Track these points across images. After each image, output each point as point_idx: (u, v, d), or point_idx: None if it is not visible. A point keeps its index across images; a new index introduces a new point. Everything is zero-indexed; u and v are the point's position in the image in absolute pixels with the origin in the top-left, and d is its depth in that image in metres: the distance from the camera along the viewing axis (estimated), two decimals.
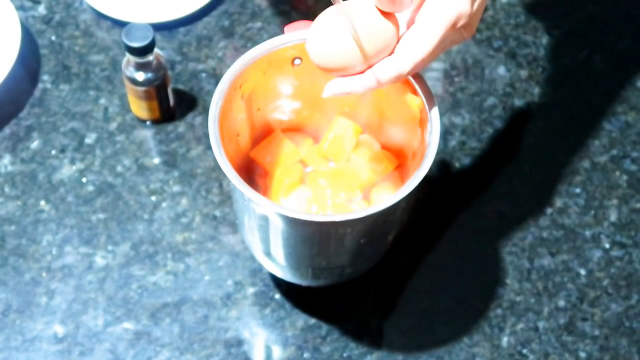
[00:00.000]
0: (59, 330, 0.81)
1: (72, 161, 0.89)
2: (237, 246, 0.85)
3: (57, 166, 0.88)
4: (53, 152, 0.89)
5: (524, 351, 0.81)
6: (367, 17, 0.62)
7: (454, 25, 0.62)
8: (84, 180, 0.88)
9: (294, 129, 0.80)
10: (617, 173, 0.90)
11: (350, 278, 0.78)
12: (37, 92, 0.92)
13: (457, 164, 0.90)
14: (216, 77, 0.93)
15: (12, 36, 0.91)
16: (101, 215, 0.86)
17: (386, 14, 0.62)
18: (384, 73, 0.63)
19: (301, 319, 0.82)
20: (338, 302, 0.83)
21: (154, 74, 0.86)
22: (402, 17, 0.64)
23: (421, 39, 0.62)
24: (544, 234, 0.86)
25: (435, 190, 0.88)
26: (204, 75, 0.93)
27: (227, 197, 0.87)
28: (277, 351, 0.81)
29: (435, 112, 0.68)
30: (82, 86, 0.93)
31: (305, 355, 0.80)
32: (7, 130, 0.90)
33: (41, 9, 0.97)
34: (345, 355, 0.80)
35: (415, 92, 0.70)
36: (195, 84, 0.93)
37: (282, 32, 0.76)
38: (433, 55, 0.63)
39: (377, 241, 0.74)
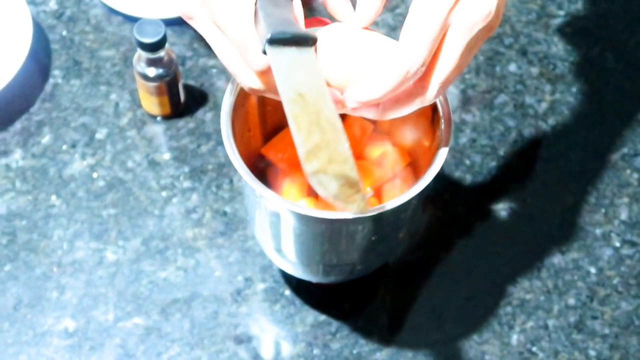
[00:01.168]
0: (70, 325, 0.81)
1: (83, 156, 0.89)
2: (247, 242, 0.85)
3: (68, 161, 0.88)
4: (64, 147, 0.89)
5: (534, 349, 0.81)
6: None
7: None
8: (94, 175, 0.88)
9: None
10: (628, 171, 0.90)
11: (361, 275, 0.78)
12: (48, 87, 0.92)
13: (467, 161, 0.90)
14: (227, 73, 0.93)
15: (23, 31, 0.91)
16: (112, 211, 0.86)
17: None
18: (406, 106, 0.59)
19: (311, 316, 0.82)
20: (348, 299, 0.83)
21: (165, 69, 0.86)
22: None
23: (442, 57, 0.57)
24: (554, 232, 0.86)
25: (445, 188, 0.88)
26: (214, 71, 0.94)
27: (237, 193, 0.87)
28: (286, 347, 0.81)
29: (447, 110, 0.68)
30: (93, 81, 0.93)
31: (315, 351, 0.80)
32: (18, 125, 0.90)
33: (52, 4, 0.97)
34: (354, 352, 0.80)
35: None
36: (206, 79, 0.93)
37: None
38: (459, 71, 0.58)
39: (388, 238, 0.74)
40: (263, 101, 0.75)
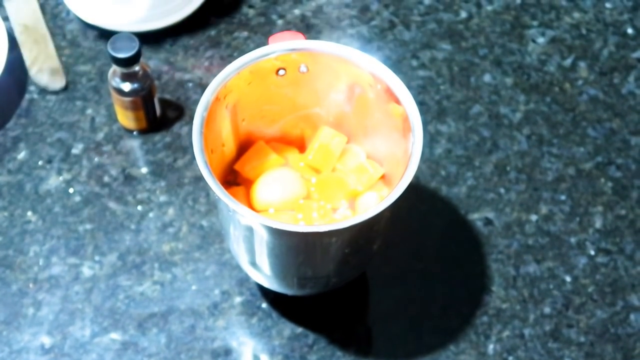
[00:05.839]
0: (46, 341, 0.81)
1: (59, 172, 0.89)
2: (224, 256, 0.85)
3: (44, 177, 0.88)
4: (40, 162, 0.89)
5: (510, 358, 0.81)
6: None
7: None
8: (70, 190, 0.88)
9: (279, 140, 0.80)
10: (602, 180, 0.90)
11: (336, 287, 0.78)
12: (24, 103, 0.92)
13: (443, 172, 0.90)
14: (202, 87, 0.93)
15: None
16: (88, 226, 0.86)
17: None
18: None
19: (288, 328, 0.82)
20: (325, 311, 0.83)
21: (140, 84, 0.86)
22: None
23: None
24: (530, 241, 0.87)
25: (421, 198, 0.89)
26: (190, 84, 0.94)
27: (213, 206, 0.87)
28: None
29: (417, 120, 0.68)
30: (69, 96, 0.93)
31: None
32: None
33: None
34: None
35: (397, 101, 0.70)
36: (181, 93, 0.93)
37: (268, 42, 0.77)
38: None
39: (363, 250, 0.75)
40: (236, 115, 0.76)
